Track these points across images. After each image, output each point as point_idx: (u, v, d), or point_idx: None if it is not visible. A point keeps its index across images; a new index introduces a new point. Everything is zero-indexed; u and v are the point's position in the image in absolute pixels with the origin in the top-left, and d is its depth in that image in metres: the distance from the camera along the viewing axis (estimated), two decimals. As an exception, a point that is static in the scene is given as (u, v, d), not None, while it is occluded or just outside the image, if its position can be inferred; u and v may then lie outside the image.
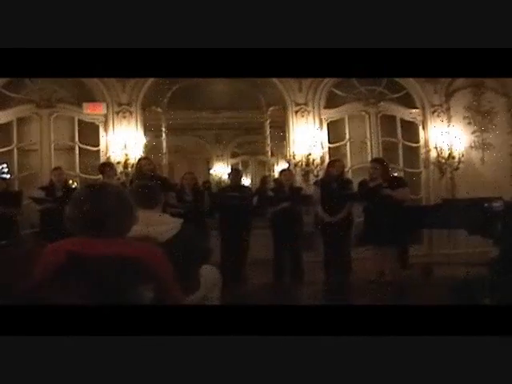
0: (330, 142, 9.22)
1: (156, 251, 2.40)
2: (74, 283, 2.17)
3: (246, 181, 8.22)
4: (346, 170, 8.31)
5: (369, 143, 9.27)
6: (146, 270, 2.26)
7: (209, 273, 3.82)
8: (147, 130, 9.26)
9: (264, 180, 10.30)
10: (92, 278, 2.17)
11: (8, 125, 9.00)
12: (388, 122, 9.41)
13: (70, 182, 8.45)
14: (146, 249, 2.40)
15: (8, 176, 8.84)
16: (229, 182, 8.16)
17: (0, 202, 6.77)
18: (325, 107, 9.23)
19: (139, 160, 7.77)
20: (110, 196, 2.35)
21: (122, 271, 2.20)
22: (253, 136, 11.91)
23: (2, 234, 5.70)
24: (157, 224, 3.30)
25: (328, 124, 9.24)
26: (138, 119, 9.01)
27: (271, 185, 8.96)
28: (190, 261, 3.35)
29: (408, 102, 9.44)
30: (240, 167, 11.71)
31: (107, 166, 7.69)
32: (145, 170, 7.19)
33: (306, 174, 8.97)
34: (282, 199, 7.15)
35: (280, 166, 10.13)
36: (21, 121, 9.16)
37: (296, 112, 9.12)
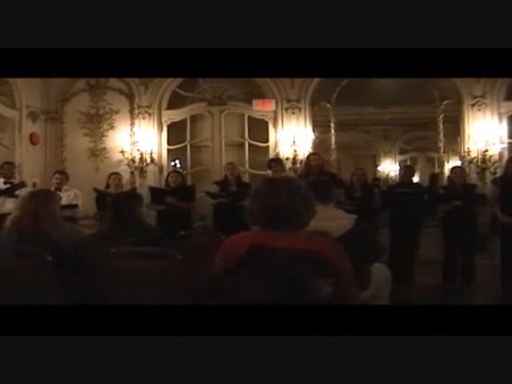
0: (510, 138, 8.67)
1: (336, 246, 2.39)
2: (256, 275, 2.22)
3: (414, 178, 7.97)
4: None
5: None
6: (326, 265, 2.26)
7: (379, 271, 3.74)
8: (315, 125, 9.28)
9: (434, 177, 9.94)
10: (273, 270, 2.20)
11: (182, 122, 9.49)
12: None
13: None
14: (327, 243, 2.40)
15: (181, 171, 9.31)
16: (398, 178, 7.96)
17: (176, 195, 7.13)
18: (504, 99, 8.69)
19: (308, 156, 7.83)
20: (291, 190, 2.38)
21: (302, 265, 2.22)
22: (423, 132, 11.53)
23: (179, 225, 6.01)
24: (331, 219, 3.29)
25: (508, 118, 8.67)
26: (307, 115, 9.05)
27: (442, 182, 8.63)
28: (363, 258, 3.30)
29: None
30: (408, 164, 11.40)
31: (275, 162, 7.82)
32: (313, 165, 7.22)
33: (481, 172, 8.50)
34: (454, 197, 6.84)
35: (451, 162, 9.70)
36: (194, 118, 9.62)
37: (472, 105, 8.66)
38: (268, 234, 2.33)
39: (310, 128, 9.09)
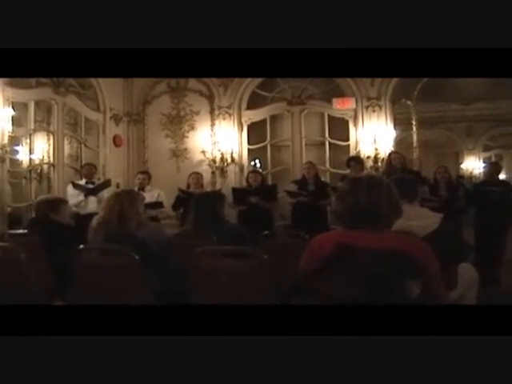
0: None
1: (424, 246, 2.35)
2: (343, 274, 2.21)
3: (500, 175, 7.70)
4: None
5: None
6: (414, 265, 2.23)
7: (466, 271, 3.64)
8: (397, 123, 9.14)
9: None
10: (360, 270, 2.19)
11: (262, 122, 9.54)
12: None
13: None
14: (415, 243, 2.36)
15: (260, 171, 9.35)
16: (483, 176, 7.71)
17: (258, 195, 7.17)
18: None
19: (389, 154, 7.72)
20: (376, 189, 2.36)
21: (389, 264, 2.19)
22: (509, 128, 11.17)
23: (260, 225, 6.04)
24: (417, 218, 3.23)
25: None
26: (388, 113, 8.93)
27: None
28: (449, 257, 3.22)
29: None
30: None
31: (355, 161, 7.74)
32: (395, 164, 7.12)
33: None
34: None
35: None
36: (273, 118, 9.65)
37: None
38: (355, 233, 2.31)
39: (390, 126, 8.96)
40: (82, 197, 7.09)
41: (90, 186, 7.28)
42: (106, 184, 7.31)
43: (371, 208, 2.31)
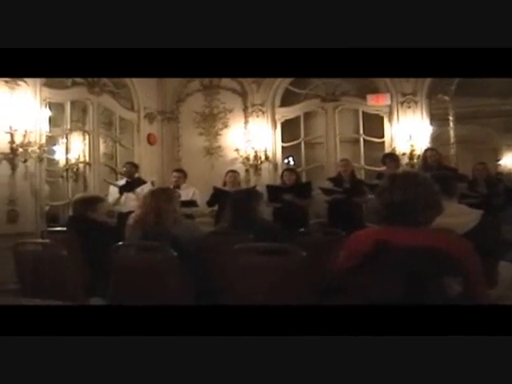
0: None
1: (465, 243, 2.31)
2: (382, 272, 2.19)
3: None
4: None
5: None
6: (455, 263, 2.19)
7: (507, 270, 3.58)
8: (433, 119, 9.00)
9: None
10: (400, 267, 2.16)
11: (295, 120, 9.52)
12: None
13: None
14: (455, 240, 2.33)
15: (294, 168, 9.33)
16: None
17: (293, 193, 7.18)
18: None
19: (425, 151, 7.64)
20: (416, 185, 2.34)
21: (430, 262, 2.17)
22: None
23: (295, 222, 6.05)
24: (456, 215, 3.18)
25: None
26: (424, 108, 8.81)
27: None
28: (489, 256, 3.17)
29: None
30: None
31: (390, 157, 7.67)
32: (431, 161, 7.04)
33: None
34: None
35: None
36: (307, 115, 9.63)
37: None
38: (394, 231, 2.29)
39: (426, 122, 8.84)
40: (117, 194, 7.23)
41: (121, 183, 7.41)
42: (139, 181, 7.41)
43: (410, 205, 2.28)
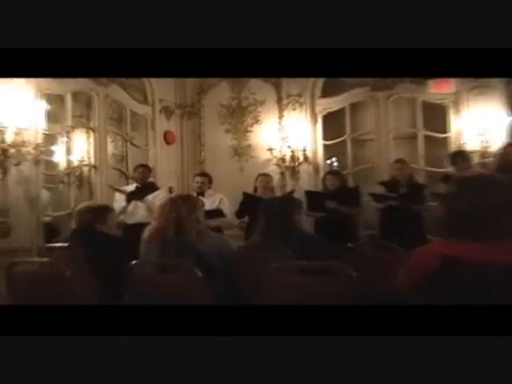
0: None
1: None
2: (451, 293, 2.19)
3: None
4: None
5: None
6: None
7: None
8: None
9: None
10: (474, 288, 2.16)
11: (340, 112, 9.44)
12: None
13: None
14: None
15: (339, 171, 9.29)
16: None
17: (337, 200, 7.15)
18: None
19: (504, 147, 7.48)
20: (493, 190, 2.33)
21: (508, 281, 2.16)
22: None
23: (341, 235, 6.04)
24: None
25: None
26: (500, 96, 8.52)
27: None
28: None
29: None
30: None
31: (461, 157, 7.55)
32: (510, 159, 6.91)
33: None
34: None
35: None
36: (354, 107, 9.57)
37: None
38: (464, 245, 2.29)
39: (504, 112, 8.57)
40: (123, 202, 7.25)
41: (130, 188, 7.46)
42: (151, 186, 7.43)
43: (486, 214, 2.27)
